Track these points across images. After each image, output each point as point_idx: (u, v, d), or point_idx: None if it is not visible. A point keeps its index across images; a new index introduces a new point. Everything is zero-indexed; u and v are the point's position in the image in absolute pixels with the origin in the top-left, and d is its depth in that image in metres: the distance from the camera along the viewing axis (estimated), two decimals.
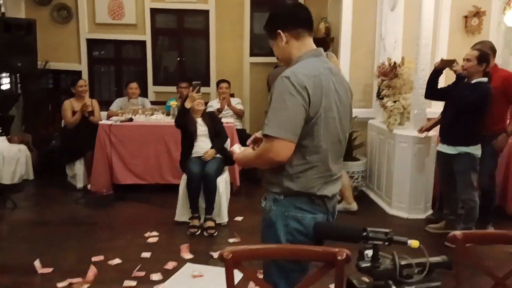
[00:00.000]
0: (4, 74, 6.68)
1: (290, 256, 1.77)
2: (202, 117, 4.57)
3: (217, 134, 4.55)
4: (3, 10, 6.25)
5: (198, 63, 7.65)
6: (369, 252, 1.50)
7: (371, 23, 5.48)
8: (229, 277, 1.65)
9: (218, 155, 4.47)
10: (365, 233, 1.52)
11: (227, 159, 4.47)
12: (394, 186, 4.76)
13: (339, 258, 1.59)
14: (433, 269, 1.47)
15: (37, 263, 3.45)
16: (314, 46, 1.98)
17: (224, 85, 6.05)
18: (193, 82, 4.52)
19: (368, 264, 1.47)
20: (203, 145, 4.46)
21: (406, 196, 4.65)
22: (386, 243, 1.50)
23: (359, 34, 5.46)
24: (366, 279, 1.54)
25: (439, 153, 4.11)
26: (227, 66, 7.40)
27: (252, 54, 7.40)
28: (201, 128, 4.51)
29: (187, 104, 4.35)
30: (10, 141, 5.69)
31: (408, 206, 4.65)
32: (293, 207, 1.89)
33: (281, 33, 1.95)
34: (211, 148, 4.44)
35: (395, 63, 4.95)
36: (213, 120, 4.63)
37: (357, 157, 5.33)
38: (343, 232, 1.62)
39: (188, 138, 4.47)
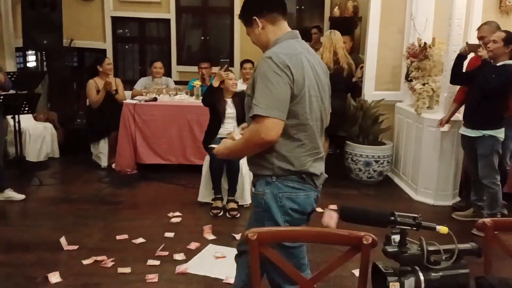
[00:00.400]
0: (30, 52, 6.73)
1: (315, 239, 1.75)
2: (232, 98, 4.45)
3: (244, 117, 4.46)
4: None
5: (222, 42, 7.58)
6: (396, 237, 1.47)
7: (401, 1, 5.28)
8: (254, 258, 1.63)
9: None
10: (393, 218, 1.48)
11: None
12: (420, 172, 4.66)
13: (364, 242, 1.57)
14: (461, 256, 1.44)
15: (63, 241, 3.50)
16: (289, 29, 2.02)
17: (247, 65, 5.96)
18: (221, 60, 4.42)
19: (395, 249, 1.44)
20: (229, 127, 4.40)
21: (433, 182, 4.54)
22: (414, 228, 1.47)
23: (388, 13, 5.29)
24: (392, 264, 1.51)
25: (463, 137, 4.04)
26: (252, 45, 7.26)
27: None
28: (230, 110, 4.42)
29: (215, 83, 4.26)
30: (36, 119, 5.77)
31: (434, 192, 4.55)
32: (286, 187, 1.93)
33: (257, 19, 1.98)
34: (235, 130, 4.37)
35: (425, 43, 4.80)
36: (243, 101, 4.51)
37: (383, 141, 5.23)
38: (370, 216, 1.59)
39: (216, 118, 4.40)
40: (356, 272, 3.13)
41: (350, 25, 6.66)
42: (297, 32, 2.03)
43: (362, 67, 5.74)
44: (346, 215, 1.69)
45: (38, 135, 5.46)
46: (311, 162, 1.95)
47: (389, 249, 1.44)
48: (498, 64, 3.69)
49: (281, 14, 1.99)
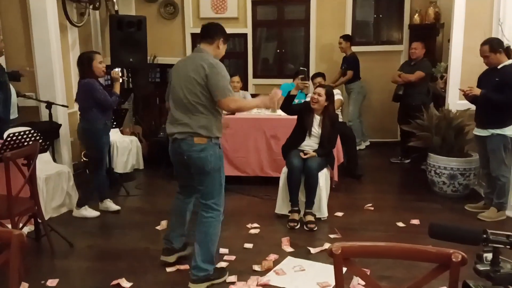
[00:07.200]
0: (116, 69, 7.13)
1: (402, 256, 1.71)
2: (323, 117, 4.39)
3: (329, 141, 4.41)
4: (116, 8, 6.69)
5: (297, 55, 7.62)
6: (488, 255, 1.43)
7: (488, 6, 5.00)
8: (338, 273, 1.62)
9: None
10: (485, 235, 1.43)
11: (328, 162, 4.47)
12: (511, 184, 4.34)
13: (454, 260, 1.50)
14: None
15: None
16: (201, 47, 3.15)
17: (318, 79, 5.94)
18: (300, 68, 4.47)
19: (487, 268, 1.41)
20: (311, 144, 4.40)
21: None
22: (508, 247, 1.41)
23: (474, 19, 5.02)
24: (484, 283, 1.48)
25: (475, 137, 4.40)
26: (327, 56, 7.28)
27: (353, 43, 7.19)
28: (316, 129, 4.39)
29: (293, 92, 4.26)
30: (122, 132, 6.12)
31: None
32: None
33: None
34: (314, 151, 4.35)
35: None
36: (332, 126, 4.39)
37: (469, 152, 4.96)
38: (461, 234, 1.54)
39: (302, 131, 4.41)
40: None
41: (431, 32, 6.41)
42: (198, 47, 3.19)
43: (442, 77, 5.51)
44: (436, 232, 1.64)
45: (124, 148, 5.78)
46: (168, 124, 3.16)
47: (481, 267, 1.41)
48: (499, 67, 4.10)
49: (202, 39, 3.16)
